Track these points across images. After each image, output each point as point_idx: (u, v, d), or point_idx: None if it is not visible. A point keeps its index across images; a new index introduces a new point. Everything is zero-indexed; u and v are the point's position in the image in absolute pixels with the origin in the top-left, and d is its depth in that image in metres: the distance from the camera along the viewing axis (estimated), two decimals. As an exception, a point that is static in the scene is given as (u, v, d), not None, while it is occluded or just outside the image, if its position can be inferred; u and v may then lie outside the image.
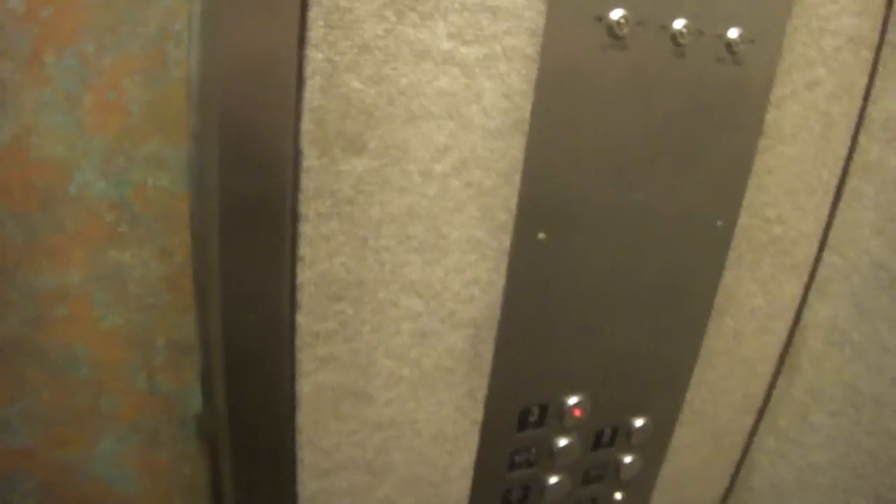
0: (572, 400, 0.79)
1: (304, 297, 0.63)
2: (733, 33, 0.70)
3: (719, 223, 0.78)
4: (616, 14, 0.64)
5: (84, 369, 0.76)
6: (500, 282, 0.70)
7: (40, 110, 0.67)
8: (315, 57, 0.56)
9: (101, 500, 0.82)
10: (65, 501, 0.81)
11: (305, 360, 0.65)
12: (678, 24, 0.67)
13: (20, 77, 0.66)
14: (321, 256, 0.62)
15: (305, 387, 0.67)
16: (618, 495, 0.89)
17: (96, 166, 0.70)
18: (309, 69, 0.56)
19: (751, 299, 0.86)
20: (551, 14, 0.62)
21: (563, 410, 0.79)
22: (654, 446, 0.89)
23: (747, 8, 0.70)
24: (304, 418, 0.68)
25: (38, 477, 0.79)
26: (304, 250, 0.61)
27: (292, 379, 0.67)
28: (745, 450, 0.99)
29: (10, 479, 0.78)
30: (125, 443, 0.80)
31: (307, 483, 0.71)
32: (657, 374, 0.84)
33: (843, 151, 0.84)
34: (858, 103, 0.82)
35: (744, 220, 0.80)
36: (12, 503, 0.79)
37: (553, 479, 0.82)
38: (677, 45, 0.68)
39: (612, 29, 0.64)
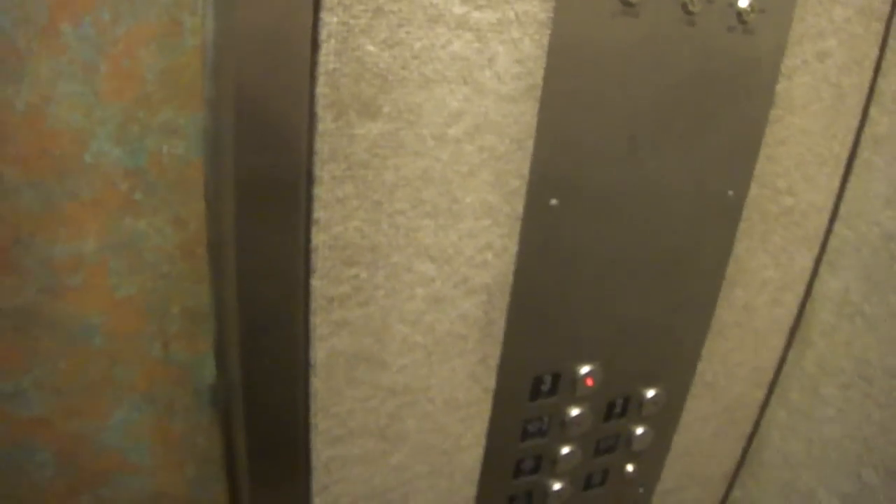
0: (584, 369, 0.79)
1: (319, 260, 0.63)
2: (744, 2, 0.70)
3: (730, 193, 0.78)
4: (628, -19, 0.64)
5: (99, 339, 0.76)
6: (513, 248, 0.70)
7: (56, 79, 0.68)
8: (330, 20, 0.56)
9: (115, 471, 0.82)
10: (80, 471, 0.81)
11: (320, 324, 0.66)
12: (690, -9, 0.67)
13: (36, 45, 0.67)
14: (336, 220, 0.62)
15: (319, 352, 0.67)
16: (629, 467, 0.89)
17: (112, 134, 0.70)
18: (324, 32, 0.57)
19: (762, 271, 0.87)
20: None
21: (575, 379, 0.79)
22: (666, 418, 0.89)
23: (758, -24, 0.70)
24: (318, 384, 0.68)
25: (53, 447, 0.79)
26: (318, 213, 0.62)
27: (306, 344, 0.67)
28: (757, 423, 0.99)
29: (25, 449, 0.79)
30: (139, 413, 0.80)
31: (321, 450, 0.72)
32: (669, 344, 0.84)
33: (854, 123, 0.84)
34: (869, 75, 0.82)
35: (755, 190, 0.80)
36: (28, 473, 0.80)
37: (565, 450, 0.82)
38: (688, 13, 0.68)
39: (623, -5, 0.65)
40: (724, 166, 0.77)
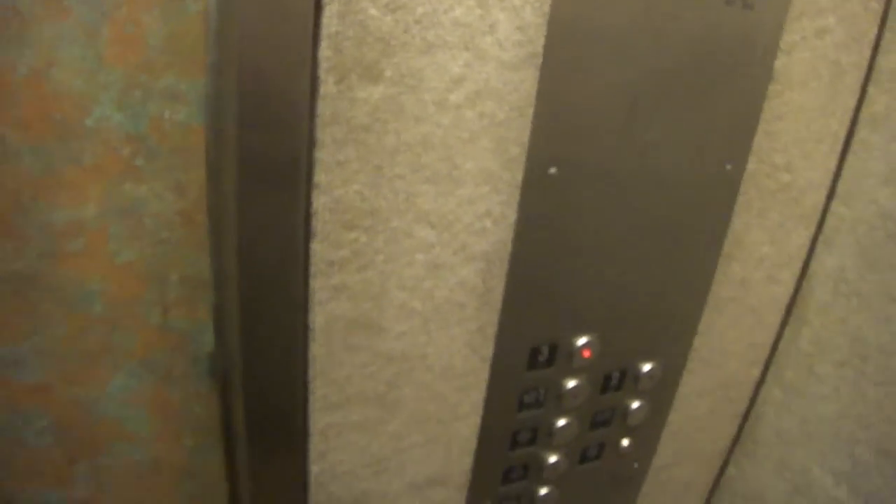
0: (582, 341, 0.79)
1: (319, 224, 0.64)
2: (744, -24, 0.70)
3: (728, 167, 0.78)
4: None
5: (98, 305, 0.76)
6: (512, 216, 0.71)
7: (59, 43, 0.68)
8: (333, -17, 0.57)
9: (112, 438, 0.82)
10: (78, 439, 0.82)
11: (319, 288, 0.66)
12: (690, -37, 0.67)
13: (40, 10, 0.67)
14: (336, 183, 0.63)
15: (319, 317, 0.67)
16: (625, 441, 0.90)
17: (114, 99, 0.70)
18: (327, -4, 0.57)
19: (759, 247, 0.87)
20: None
21: (572, 351, 0.79)
22: (662, 393, 0.90)
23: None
24: (317, 350, 0.69)
25: (52, 414, 0.80)
26: (319, 177, 0.62)
27: (305, 309, 0.67)
28: (752, 400, 1.00)
29: (24, 416, 0.79)
30: (138, 380, 0.80)
31: (318, 417, 0.72)
32: (666, 317, 0.84)
33: (852, 101, 0.84)
34: (867, 53, 0.83)
35: (752, 165, 0.81)
36: (26, 440, 0.80)
37: (561, 422, 0.83)
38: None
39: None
40: (723, 140, 0.77)
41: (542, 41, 0.65)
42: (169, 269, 0.77)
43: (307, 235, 0.64)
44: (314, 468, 0.75)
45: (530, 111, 0.67)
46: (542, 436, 0.84)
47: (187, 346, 0.80)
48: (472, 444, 0.81)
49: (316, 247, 0.65)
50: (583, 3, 0.65)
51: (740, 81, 0.75)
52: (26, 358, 0.77)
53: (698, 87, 0.73)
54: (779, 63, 0.77)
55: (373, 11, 0.59)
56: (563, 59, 0.66)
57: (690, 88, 0.73)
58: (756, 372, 0.97)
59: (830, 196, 0.88)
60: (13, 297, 0.74)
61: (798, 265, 0.92)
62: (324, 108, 0.60)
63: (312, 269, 0.66)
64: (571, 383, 0.81)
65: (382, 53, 0.60)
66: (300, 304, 0.67)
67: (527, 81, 0.66)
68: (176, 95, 0.71)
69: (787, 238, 0.88)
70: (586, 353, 0.79)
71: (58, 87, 0.69)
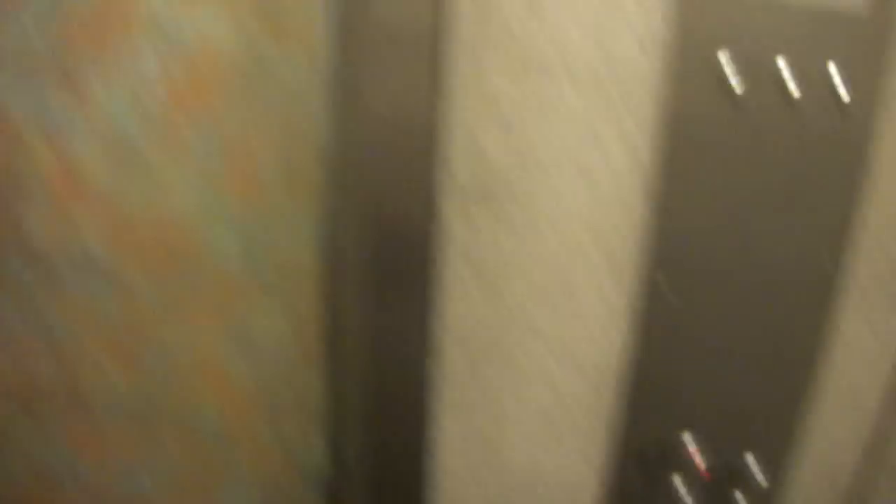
0: (690, 443, 0.79)
1: (437, 343, 0.65)
2: (841, 87, 0.71)
3: (828, 263, 0.79)
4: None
5: (212, 425, 0.78)
6: (623, 325, 0.72)
7: (176, 176, 0.71)
8: (449, 111, 0.59)
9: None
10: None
11: (437, 406, 0.67)
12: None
13: (157, 144, 0.70)
14: (454, 302, 0.64)
15: (437, 434, 0.68)
16: (734, 538, 0.89)
17: (228, 228, 0.73)
18: (444, 122, 0.59)
19: (859, 339, 0.87)
20: (671, 71, 0.65)
21: (680, 451, 0.79)
22: (768, 487, 0.89)
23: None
24: (435, 467, 0.70)
25: (166, 532, 0.81)
26: (437, 297, 0.64)
27: (423, 427, 0.69)
28: (856, 489, 0.98)
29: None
30: (250, 497, 0.81)
31: (437, 533, 0.73)
32: (770, 415, 0.84)
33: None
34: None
35: (852, 259, 0.81)
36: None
37: (672, 523, 0.82)
38: (789, 99, 0.70)
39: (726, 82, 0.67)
40: (823, 239, 0.78)
41: (649, 157, 0.67)
42: (282, 389, 0.78)
43: (425, 354, 0.66)
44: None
45: (639, 224, 0.69)
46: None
47: (299, 464, 0.81)
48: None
49: (434, 365, 0.66)
50: (691, 120, 0.67)
51: (838, 179, 0.76)
52: (140, 477, 0.79)
53: (799, 189, 0.74)
54: (874, 161, 0.78)
55: (488, 139, 0.61)
56: (673, 175, 0.68)
57: (792, 191, 0.74)
58: (859, 459, 0.96)
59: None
60: (129, 419, 0.76)
61: (897, 351, 0.91)
62: (442, 233, 0.62)
63: (430, 387, 0.67)
64: (681, 484, 0.81)
65: (498, 179, 0.62)
66: (419, 423, 0.69)
67: (635, 197, 0.68)
68: (290, 223, 0.74)
69: (887, 326, 0.88)
70: (694, 454, 0.79)
71: (173, 215, 0.72)
